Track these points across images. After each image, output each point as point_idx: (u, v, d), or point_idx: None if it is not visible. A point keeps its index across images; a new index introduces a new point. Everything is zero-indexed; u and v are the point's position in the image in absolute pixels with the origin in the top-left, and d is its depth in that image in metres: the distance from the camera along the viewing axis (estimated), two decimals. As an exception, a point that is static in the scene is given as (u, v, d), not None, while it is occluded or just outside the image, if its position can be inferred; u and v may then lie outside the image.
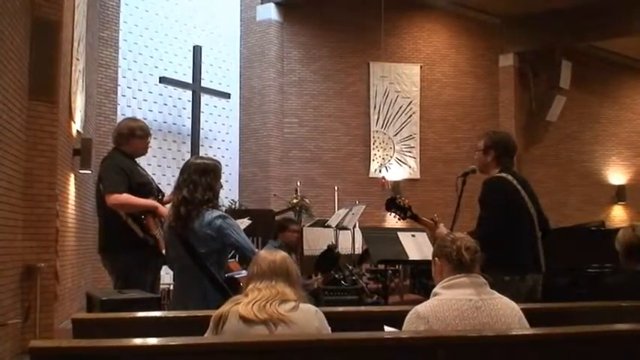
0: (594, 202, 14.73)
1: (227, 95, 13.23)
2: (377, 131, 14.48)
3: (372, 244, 6.73)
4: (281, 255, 2.75)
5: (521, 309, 2.80)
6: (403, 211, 4.44)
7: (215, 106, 13.46)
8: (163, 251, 4.40)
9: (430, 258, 3.01)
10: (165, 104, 12.54)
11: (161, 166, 12.04)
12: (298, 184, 12.28)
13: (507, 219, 4.01)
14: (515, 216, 4.08)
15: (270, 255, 2.73)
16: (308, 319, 2.54)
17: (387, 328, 2.85)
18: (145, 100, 12.17)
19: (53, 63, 6.42)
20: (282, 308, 2.52)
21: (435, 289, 2.81)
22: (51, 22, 6.42)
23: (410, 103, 14.64)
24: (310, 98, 14.32)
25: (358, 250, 9.45)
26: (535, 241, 4.19)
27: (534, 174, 14.43)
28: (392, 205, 4.44)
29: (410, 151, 14.56)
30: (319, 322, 2.57)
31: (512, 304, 2.77)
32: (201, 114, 12.59)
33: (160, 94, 12.41)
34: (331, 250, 8.26)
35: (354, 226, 9.13)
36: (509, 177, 4.19)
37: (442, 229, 4.24)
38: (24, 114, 6.10)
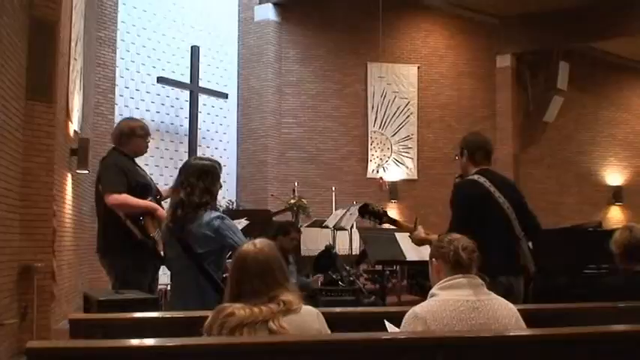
0: (591, 203, 14.75)
1: (225, 95, 13.23)
2: (374, 132, 14.49)
3: (369, 244, 6.72)
4: (266, 248, 2.59)
5: (518, 310, 2.80)
6: (378, 217, 4.44)
7: (213, 107, 13.45)
8: (162, 253, 4.40)
9: (427, 259, 3.01)
10: (163, 104, 12.53)
11: (158, 167, 12.02)
12: (296, 184, 12.27)
13: (474, 221, 3.97)
14: (485, 217, 4.04)
15: (258, 252, 2.56)
16: (309, 321, 2.51)
17: (387, 324, 2.85)
18: (143, 100, 12.15)
19: (51, 63, 6.41)
20: (287, 320, 2.43)
21: (433, 290, 2.81)
22: (49, 22, 6.41)
23: (407, 104, 14.65)
24: (308, 98, 14.32)
25: (356, 250, 9.45)
26: (513, 243, 4.15)
27: (531, 175, 14.47)
28: (365, 212, 4.45)
29: (407, 152, 14.57)
30: (320, 324, 2.55)
31: (510, 305, 2.78)
32: (199, 114, 12.58)
33: (158, 94, 12.40)
34: (329, 250, 8.26)
35: (352, 227, 9.12)
36: (481, 179, 4.18)
37: (420, 230, 4.27)
38: (21, 114, 6.09)
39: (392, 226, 4.62)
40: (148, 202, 4.62)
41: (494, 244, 4.01)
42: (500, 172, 4.50)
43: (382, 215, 4.45)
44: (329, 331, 2.58)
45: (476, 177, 4.22)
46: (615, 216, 14.80)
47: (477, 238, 3.81)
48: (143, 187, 4.70)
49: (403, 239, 6.02)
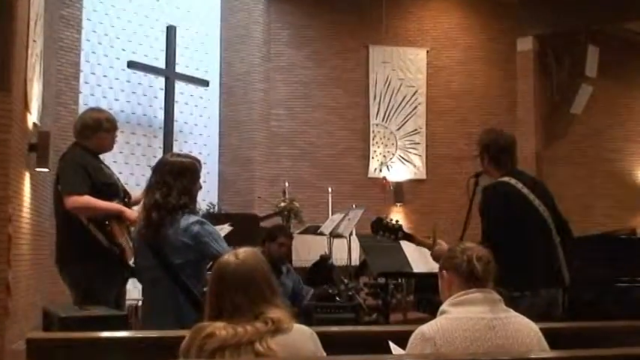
0: (624, 207, 14.75)
1: (205, 82, 13.22)
2: (377, 125, 14.50)
3: (371, 254, 6.73)
4: (249, 259, 2.59)
5: (541, 328, 2.80)
6: (394, 233, 4.45)
7: (191, 95, 13.43)
8: (130, 262, 4.39)
9: (437, 270, 3.01)
10: (134, 92, 12.51)
11: (129, 164, 12.00)
12: (286, 185, 12.27)
13: (512, 228, 4.01)
14: (523, 224, 4.09)
15: (239, 264, 2.56)
16: (302, 341, 2.51)
17: (392, 346, 2.85)
18: (111, 88, 12.13)
19: (6, 45, 6.38)
20: (276, 341, 2.42)
21: (443, 307, 2.82)
22: (3, -2, 6.39)
23: (415, 93, 14.66)
24: (301, 86, 14.32)
25: (355, 261, 9.45)
26: (552, 250, 4.20)
27: (556, 174, 14.45)
28: (379, 227, 4.46)
29: (415, 148, 14.58)
30: (314, 345, 2.55)
31: (531, 323, 2.78)
32: (176, 104, 12.57)
33: (128, 81, 12.38)
34: (324, 260, 8.27)
35: (351, 234, 9.13)
36: (512, 181, 4.22)
37: (442, 245, 4.25)
38: (-29, 103, 6.07)
39: (408, 242, 4.64)
40: (113, 204, 4.62)
41: (533, 252, 4.06)
42: (527, 172, 4.54)
43: (398, 230, 4.45)
44: (324, 354, 2.58)
45: (506, 179, 4.24)
46: (652, 222, 14.82)
47: (514, 246, 3.85)
48: (109, 188, 4.70)
49: (409, 248, 6.02)
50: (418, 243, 4.53)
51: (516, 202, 4.16)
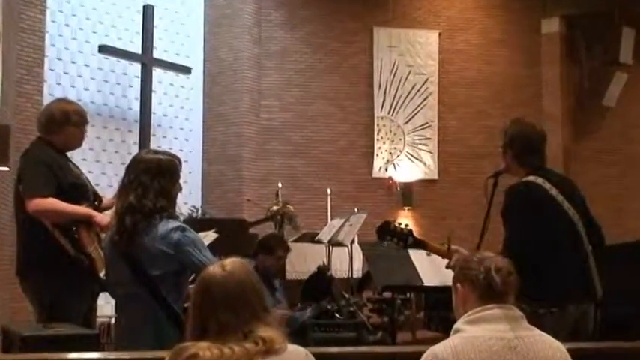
0: (664, 211, 14.76)
1: (187, 70, 13.22)
2: (382, 118, 14.50)
3: (375, 264, 6.74)
4: (238, 270, 2.59)
5: (567, 349, 2.81)
6: (403, 238, 4.41)
7: (171, 84, 13.44)
8: (101, 274, 4.38)
9: (451, 283, 3.01)
10: (107, 81, 12.50)
11: (100, 162, 12.00)
12: (279, 185, 12.27)
13: (538, 235, 4.02)
14: (550, 230, 4.10)
15: (226, 276, 2.55)
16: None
17: None
18: (80, 76, 12.12)
19: (-41, 26, 6.40)
20: None
21: (457, 325, 2.82)
22: (-44, -27, 6.40)
23: (425, 82, 14.66)
24: (295, 74, 14.32)
25: (357, 272, 9.46)
26: (583, 260, 4.21)
27: (586, 173, 14.43)
28: (386, 232, 4.43)
29: (425, 144, 14.58)
30: (310, 368, 2.56)
31: (557, 343, 2.79)
32: (153, 94, 12.56)
33: (100, 68, 12.37)
34: (322, 272, 8.27)
35: (353, 242, 9.13)
36: (539, 180, 4.22)
37: (462, 254, 4.22)
38: None
39: (420, 249, 4.64)
40: (82, 208, 4.62)
41: (562, 262, 4.06)
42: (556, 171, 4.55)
43: (408, 236, 4.43)
44: (322, 377, 2.59)
45: (531, 178, 4.25)
46: (695, 228, 14.81)
47: (540, 255, 3.85)
48: (77, 189, 4.70)
49: (419, 257, 6.03)
50: (432, 250, 4.51)
51: (543, 204, 4.16)
